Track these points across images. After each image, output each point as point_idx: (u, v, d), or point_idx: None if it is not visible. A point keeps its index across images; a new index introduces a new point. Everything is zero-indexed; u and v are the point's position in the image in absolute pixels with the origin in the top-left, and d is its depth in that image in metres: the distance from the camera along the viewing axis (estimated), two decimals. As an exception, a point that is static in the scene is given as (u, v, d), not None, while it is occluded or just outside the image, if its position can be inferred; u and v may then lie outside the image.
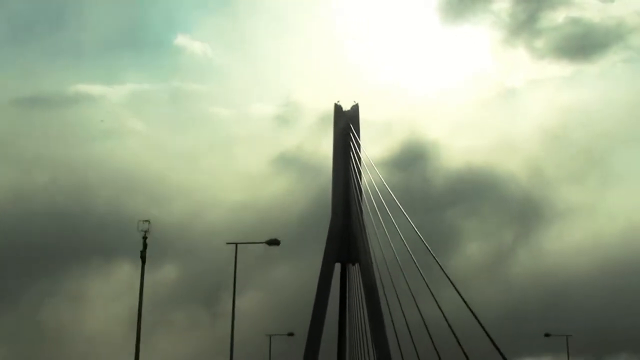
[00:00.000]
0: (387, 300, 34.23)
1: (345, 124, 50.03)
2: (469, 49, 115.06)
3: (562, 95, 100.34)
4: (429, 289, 22.13)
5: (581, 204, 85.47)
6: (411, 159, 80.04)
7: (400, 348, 31.18)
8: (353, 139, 47.60)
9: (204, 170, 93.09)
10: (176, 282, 72.72)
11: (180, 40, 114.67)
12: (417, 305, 25.07)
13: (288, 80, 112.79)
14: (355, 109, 51.05)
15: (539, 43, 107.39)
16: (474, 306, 19.85)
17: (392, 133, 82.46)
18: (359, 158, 44.96)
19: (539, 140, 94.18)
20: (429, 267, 25.34)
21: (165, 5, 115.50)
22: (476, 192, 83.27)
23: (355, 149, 46.70)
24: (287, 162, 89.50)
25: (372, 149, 42.90)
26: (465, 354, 18.82)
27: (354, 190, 46.40)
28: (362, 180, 43.55)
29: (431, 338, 22.88)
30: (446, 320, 20.35)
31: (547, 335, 47.35)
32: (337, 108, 51.53)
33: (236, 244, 30.34)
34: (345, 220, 48.14)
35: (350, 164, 47.83)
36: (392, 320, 32.27)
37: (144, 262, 25.16)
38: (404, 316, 28.71)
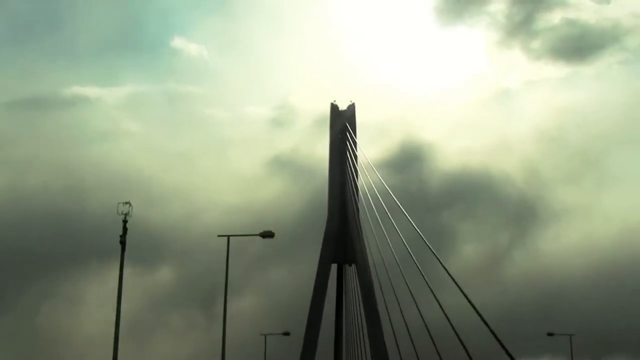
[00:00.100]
0: (384, 300, 33.43)
1: (342, 123, 49.23)
2: (465, 50, 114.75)
3: (558, 96, 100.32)
4: (431, 289, 21.32)
5: (577, 205, 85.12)
6: (407, 160, 79.46)
7: (398, 348, 30.45)
8: (349, 138, 46.85)
9: (199, 172, 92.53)
10: (172, 284, 72.44)
11: (177, 42, 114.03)
12: (417, 306, 24.33)
13: (284, 82, 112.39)
14: (351, 108, 50.28)
15: (535, 44, 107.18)
16: (469, 307, 18.84)
17: (388, 134, 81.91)
18: (355, 157, 44.21)
19: (535, 141, 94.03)
20: (426, 269, 24.76)
21: (162, 7, 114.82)
22: (472, 193, 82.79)
23: (351, 148, 45.97)
24: (282, 164, 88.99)
25: (369, 150, 42.34)
26: (468, 354, 18.00)
27: (350, 190, 45.68)
28: (359, 180, 42.84)
29: (432, 338, 22.13)
30: (448, 320, 19.59)
31: (549, 334, 46.09)
32: (334, 107, 50.83)
33: (228, 236, 29.28)
34: (342, 220, 47.32)
35: (346, 163, 47.04)
36: (390, 321, 31.44)
37: (123, 247, 23.66)
38: (403, 317, 27.98)
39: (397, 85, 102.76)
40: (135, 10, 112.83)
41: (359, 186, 43.26)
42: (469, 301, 17.28)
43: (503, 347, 15.12)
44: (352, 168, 45.03)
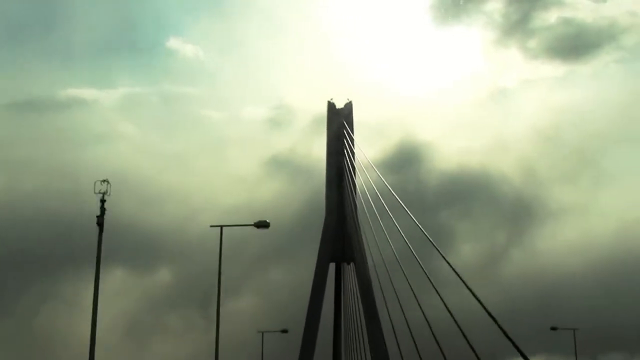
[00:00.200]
0: (384, 298, 32.68)
1: (339, 121, 48.58)
2: (461, 49, 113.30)
3: (555, 95, 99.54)
4: (433, 285, 20.63)
5: (574, 203, 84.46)
6: (404, 160, 78.56)
7: (398, 346, 29.71)
8: (347, 136, 46.18)
9: (196, 173, 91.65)
10: (170, 285, 71.79)
11: (172, 43, 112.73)
12: (418, 303, 23.55)
13: (280, 82, 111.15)
14: (349, 106, 49.58)
15: (532, 43, 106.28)
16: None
17: (385, 134, 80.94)
18: (353, 154, 43.52)
19: (531, 140, 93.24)
20: (425, 267, 24.04)
21: (157, 7, 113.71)
22: (470, 192, 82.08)
23: (349, 145, 45.27)
24: (279, 164, 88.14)
25: (366, 150, 41.59)
26: (474, 351, 17.27)
27: (348, 188, 45.01)
28: (356, 176, 42.16)
29: (434, 335, 21.36)
30: (452, 317, 18.80)
31: (553, 328, 45.30)
32: (331, 105, 50.10)
33: (221, 226, 28.45)
34: (340, 218, 46.64)
35: (344, 161, 46.34)
36: (390, 319, 30.71)
37: (101, 229, 22.46)
38: (404, 315, 27.24)
39: (393, 84, 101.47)
40: (131, 11, 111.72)
41: (356, 184, 42.63)
42: (475, 297, 16.56)
43: (513, 343, 14.42)
44: (350, 166, 44.34)
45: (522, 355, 13.96)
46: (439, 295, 20.10)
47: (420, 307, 23.32)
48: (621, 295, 61.51)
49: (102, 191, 22.22)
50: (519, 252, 77.56)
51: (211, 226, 28.60)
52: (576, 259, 74.18)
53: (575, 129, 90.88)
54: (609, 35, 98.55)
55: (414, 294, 24.44)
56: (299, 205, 71.23)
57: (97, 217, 22.37)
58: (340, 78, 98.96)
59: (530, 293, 65.03)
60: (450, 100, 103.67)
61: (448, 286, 21.03)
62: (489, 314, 15.74)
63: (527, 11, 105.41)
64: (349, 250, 45.54)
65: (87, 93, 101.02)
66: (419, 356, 24.58)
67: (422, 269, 22.41)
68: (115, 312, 67.37)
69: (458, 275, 18.08)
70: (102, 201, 22.33)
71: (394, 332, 29.85)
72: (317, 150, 53.36)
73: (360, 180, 41.00)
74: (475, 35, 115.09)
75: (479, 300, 16.45)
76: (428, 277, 21.48)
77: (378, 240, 34.43)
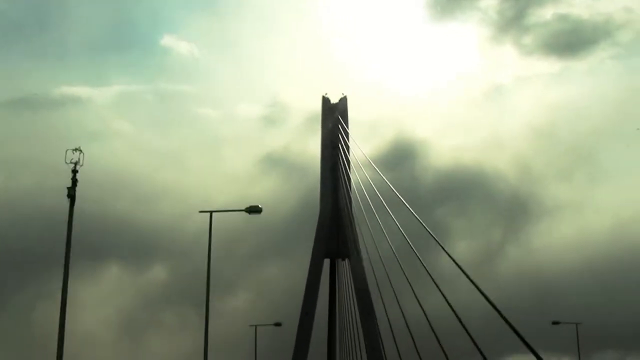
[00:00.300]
0: (380, 294, 31.67)
1: (333, 115, 47.56)
2: (456, 46, 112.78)
3: (551, 92, 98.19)
4: (433, 280, 19.53)
5: (570, 200, 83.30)
6: (399, 158, 77.35)
7: (395, 342, 28.87)
8: (341, 131, 45.08)
9: (191, 171, 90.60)
10: (165, 282, 70.89)
11: (167, 40, 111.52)
12: (417, 298, 22.52)
13: (275, 80, 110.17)
14: (343, 100, 48.53)
15: (527, 40, 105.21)
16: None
17: (380, 132, 79.88)
18: (348, 147, 42.43)
19: (527, 137, 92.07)
20: (418, 263, 23.45)
21: (151, 5, 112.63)
22: (465, 190, 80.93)
23: (343, 140, 44.17)
24: (274, 162, 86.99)
25: (361, 151, 40.65)
26: (477, 347, 16.20)
27: (343, 183, 43.91)
28: (351, 170, 41.08)
29: (434, 332, 20.36)
30: (454, 312, 17.76)
31: (555, 323, 44.05)
32: (325, 100, 49.15)
33: (210, 212, 27.17)
34: (334, 214, 45.49)
35: (338, 155, 45.24)
36: (387, 314, 29.69)
37: (72, 202, 20.88)
38: (402, 311, 26.25)
39: (388, 82, 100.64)
40: (125, 9, 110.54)
41: (351, 178, 41.61)
42: (480, 290, 15.42)
43: (520, 337, 13.33)
44: (345, 160, 43.25)
45: (531, 350, 12.83)
46: (440, 290, 19.04)
47: (419, 301, 22.35)
48: (617, 293, 60.58)
49: (73, 161, 20.65)
50: (514, 250, 76.60)
51: (200, 212, 27.32)
52: (572, 256, 73.31)
53: (570, 126, 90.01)
54: (605, 32, 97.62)
55: (412, 290, 23.35)
56: (294, 202, 70.38)
57: (68, 188, 20.81)
58: (334, 76, 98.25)
59: (526, 290, 64.05)
60: (445, 98, 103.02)
61: (444, 283, 20.28)
62: (495, 308, 14.67)
63: (522, 7, 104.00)
64: (343, 246, 44.52)
65: (81, 91, 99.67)
66: (417, 353, 23.66)
67: (422, 263, 21.36)
68: (111, 309, 66.82)
69: (460, 268, 16.98)
70: (74, 171, 20.73)
71: (391, 329, 28.85)
72: (312, 147, 52.47)
73: (355, 175, 39.95)
74: (470, 32, 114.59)
75: (483, 294, 15.34)
76: (428, 272, 20.45)
77: (373, 237, 33.83)
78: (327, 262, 46.02)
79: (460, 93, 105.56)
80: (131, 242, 72.48)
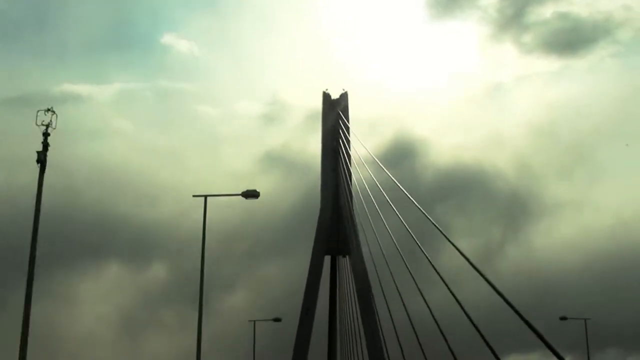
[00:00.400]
0: (383, 291, 30.75)
1: (334, 111, 46.62)
2: (456, 45, 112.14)
3: (550, 90, 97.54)
4: (440, 276, 18.61)
5: (570, 199, 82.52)
6: (399, 156, 76.49)
7: (398, 339, 28.00)
8: (342, 126, 44.11)
9: (190, 169, 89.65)
10: (164, 281, 70.31)
11: (167, 38, 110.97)
12: (422, 296, 21.54)
13: (274, 79, 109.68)
14: (344, 96, 47.62)
15: (527, 38, 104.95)
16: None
17: (380, 131, 79.07)
18: (348, 142, 41.51)
19: (527, 136, 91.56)
20: (423, 262, 22.51)
21: (152, 3, 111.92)
22: (465, 188, 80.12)
23: (344, 135, 43.21)
24: (274, 160, 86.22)
25: (360, 146, 39.77)
26: (488, 344, 15.28)
27: (344, 180, 42.94)
28: (352, 165, 40.10)
29: (440, 330, 19.41)
30: (463, 309, 16.90)
31: (562, 318, 42.86)
32: (326, 96, 48.26)
33: (205, 196, 26.26)
34: (335, 211, 44.56)
35: (339, 151, 44.27)
36: (390, 311, 28.78)
37: (42, 169, 19.32)
38: (406, 309, 25.30)
39: (387, 81, 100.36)
40: (125, 7, 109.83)
41: (352, 174, 40.64)
42: (492, 286, 14.63)
43: (539, 335, 12.37)
44: (346, 155, 42.32)
45: (550, 347, 11.85)
46: (447, 285, 18.09)
47: (424, 298, 21.39)
48: (618, 292, 59.88)
49: (44, 123, 19.12)
50: (514, 248, 75.83)
51: (194, 196, 26.42)
52: (572, 255, 72.74)
53: (570, 124, 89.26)
54: (605, 30, 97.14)
55: (417, 286, 22.42)
56: (294, 200, 69.71)
57: (38, 152, 19.17)
58: (334, 75, 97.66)
59: (526, 289, 63.09)
60: (445, 96, 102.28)
61: (449, 279, 19.29)
62: (509, 304, 13.85)
63: (522, 6, 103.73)
64: (344, 243, 43.54)
65: (81, 88, 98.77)
66: (422, 351, 22.79)
67: (426, 256, 20.42)
68: (111, 307, 66.14)
69: (470, 262, 16.08)
70: (45, 134, 19.14)
71: (394, 327, 27.98)
72: (312, 145, 52.07)
73: (357, 171, 39.00)
74: (469, 31, 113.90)
75: (494, 287, 14.44)
76: (434, 268, 19.51)
77: (373, 234, 32.95)
78: (327, 260, 45.27)
79: (460, 92, 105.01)
80: (131, 241, 72.05)
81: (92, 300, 67.36)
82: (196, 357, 23.18)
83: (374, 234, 32.57)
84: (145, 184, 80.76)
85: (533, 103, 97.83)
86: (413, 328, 23.71)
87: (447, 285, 17.92)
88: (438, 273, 18.91)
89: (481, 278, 15.49)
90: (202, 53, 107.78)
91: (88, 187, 77.14)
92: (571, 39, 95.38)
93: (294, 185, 73.48)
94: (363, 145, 34.55)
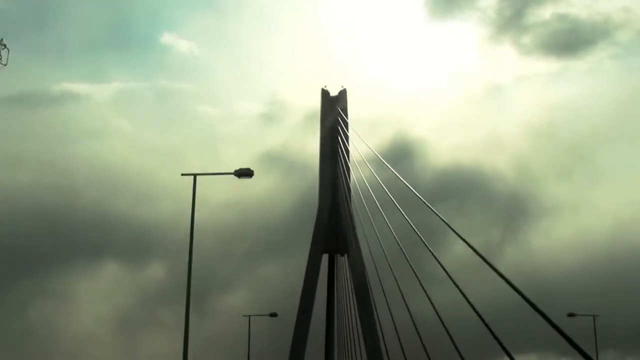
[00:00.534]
0: (383, 291, 29.67)
1: (333, 108, 45.51)
2: (455, 46, 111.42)
3: (549, 91, 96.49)
4: (447, 272, 17.46)
5: (569, 201, 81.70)
6: (398, 157, 75.33)
7: (399, 338, 26.95)
8: (341, 123, 42.99)
9: (189, 168, 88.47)
10: (163, 280, 69.31)
11: (166, 38, 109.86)
12: (427, 294, 20.43)
13: (274, 79, 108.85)
14: (343, 93, 46.51)
15: (526, 39, 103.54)
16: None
17: (379, 131, 78.08)
18: (347, 138, 40.32)
19: (526, 137, 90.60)
20: (423, 261, 22.33)
21: (151, 3, 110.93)
22: (464, 189, 79.13)
23: (343, 132, 42.09)
24: (273, 160, 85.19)
25: (359, 146, 38.68)
26: (500, 343, 14.24)
27: (342, 178, 41.83)
28: (350, 162, 39.02)
29: (446, 329, 18.28)
30: (471, 305, 15.87)
31: (570, 315, 41.64)
32: (324, 93, 47.12)
33: (194, 175, 25.05)
34: (333, 209, 43.43)
35: (338, 149, 43.12)
36: (390, 312, 27.79)
37: None
38: (408, 309, 24.25)
39: (387, 82, 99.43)
40: (125, 7, 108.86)
41: (351, 172, 39.65)
42: (508, 282, 13.60)
43: (562, 333, 11.24)
44: (345, 152, 41.21)
45: (578, 348, 10.66)
46: (454, 282, 16.96)
47: (428, 297, 20.31)
48: (616, 294, 58.86)
49: None
50: (513, 249, 74.81)
51: (182, 174, 25.30)
52: (571, 256, 71.76)
53: (569, 126, 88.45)
54: (604, 31, 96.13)
55: (422, 285, 21.28)
56: (293, 200, 68.98)
57: None
58: (334, 75, 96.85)
59: (525, 289, 62.05)
60: (444, 97, 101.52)
61: (445, 281, 18.48)
62: (528, 301, 12.65)
63: (521, 7, 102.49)
64: (342, 242, 42.58)
65: (80, 88, 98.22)
66: (425, 350, 21.67)
67: (433, 255, 19.36)
68: (109, 306, 65.39)
69: (481, 256, 14.94)
70: None
71: (395, 327, 26.91)
72: (311, 145, 50.75)
73: (357, 169, 37.88)
74: (469, 32, 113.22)
75: (509, 282, 13.26)
76: (441, 265, 18.43)
77: (373, 232, 32.00)
78: (325, 258, 44.09)
79: (459, 92, 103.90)
80: (130, 240, 71.33)
81: (90, 300, 66.96)
82: (183, 355, 21.75)
83: (374, 232, 31.52)
84: (144, 184, 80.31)
85: (532, 104, 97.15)
86: (416, 327, 22.70)
87: (454, 281, 16.93)
88: (445, 270, 17.84)
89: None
90: (201, 53, 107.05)
91: (87, 187, 76.55)
92: (570, 40, 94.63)
93: (293, 184, 72.81)
94: (363, 140, 33.41)
